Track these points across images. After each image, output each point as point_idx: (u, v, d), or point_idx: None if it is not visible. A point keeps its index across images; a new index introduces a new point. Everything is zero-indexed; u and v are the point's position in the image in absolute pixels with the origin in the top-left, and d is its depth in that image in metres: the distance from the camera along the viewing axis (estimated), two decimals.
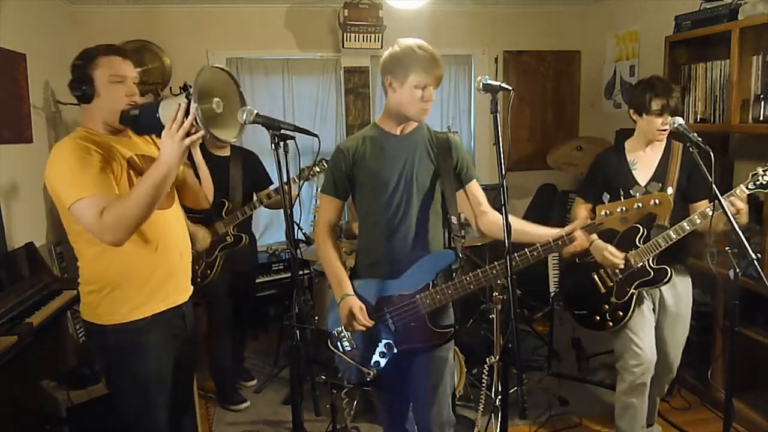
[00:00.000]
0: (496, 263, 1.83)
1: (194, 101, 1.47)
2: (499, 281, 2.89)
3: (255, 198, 3.22)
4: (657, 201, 1.76)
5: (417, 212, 1.95)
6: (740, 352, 2.71)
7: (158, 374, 1.82)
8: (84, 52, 1.73)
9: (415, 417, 2.12)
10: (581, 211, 2.64)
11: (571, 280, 2.76)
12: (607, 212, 1.79)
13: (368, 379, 2.00)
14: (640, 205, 1.76)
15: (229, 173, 3.15)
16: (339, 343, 2.03)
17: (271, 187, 3.29)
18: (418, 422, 2.10)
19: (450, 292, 1.89)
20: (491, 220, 2.02)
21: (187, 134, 1.54)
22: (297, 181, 2.85)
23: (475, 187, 2.05)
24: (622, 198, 2.45)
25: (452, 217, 1.97)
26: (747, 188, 2.18)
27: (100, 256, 1.72)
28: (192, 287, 1.98)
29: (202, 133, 1.52)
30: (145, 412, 1.83)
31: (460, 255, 1.93)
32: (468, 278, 1.88)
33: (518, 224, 1.89)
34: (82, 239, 1.72)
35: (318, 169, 3.08)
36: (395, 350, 1.95)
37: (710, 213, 2.16)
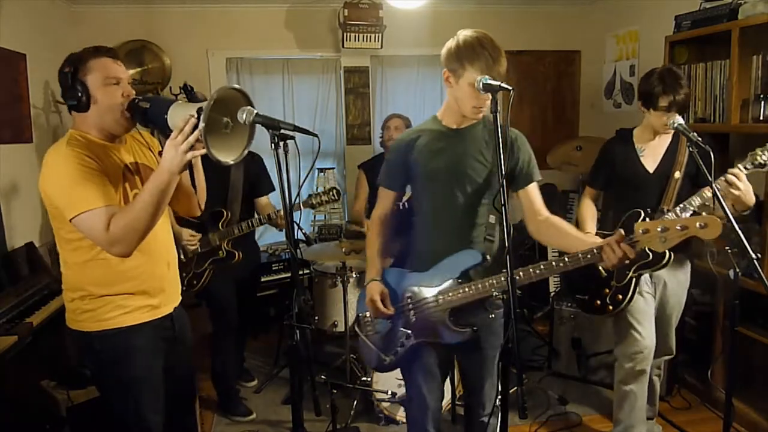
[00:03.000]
0: (520, 270, 1.78)
1: (203, 121, 1.44)
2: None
3: (256, 215, 3.08)
4: (704, 224, 1.55)
5: (463, 209, 1.94)
6: (740, 352, 2.71)
7: (147, 378, 1.81)
8: (71, 57, 1.68)
9: (465, 398, 2.20)
10: (587, 200, 2.64)
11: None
12: (644, 230, 1.64)
13: (385, 364, 2.05)
14: (684, 226, 1.56)
15: (230, 177, 3.04)
16: (365, 326, 2.10)
17: (273, 195, 3.16)
18: (467, 403, 2.18)
19: (471, 292, 1.87)
20: (545, 225, 1.94)
21: (191, 147, 1.52)
22: (302, 207, 2.81)
23: (530, 191, 1.97)
24: (630, 187, 2.48)
25: (492, 216, 1.94)
26: (745, 168, 2.18)
27: (85, 265, 1.70)
28: (180, 297, 1.96)
29: (204, 150, 1.50)
30: (135, 416, 1.81)
31: (488, 256, 1.90)
32: (491, 281, 1.84)
33: (564, 229, 1.89)
34: (70, 247, 1.70)
35: (326, 198, 2.96)
36: (413, 341, 1.98)
37: (710, 198, 2.14)
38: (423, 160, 1.96)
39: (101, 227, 1.56)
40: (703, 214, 2.24)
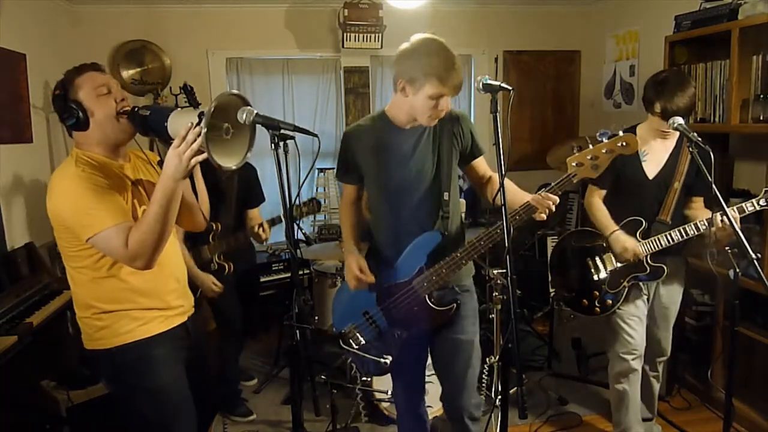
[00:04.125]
0: (482, 234, 1.88)
1: (204, 126, 1.45)
2: (499, 281, 2.90)
3: (247, 227, 3.06)
4: (624, 143, 1.74)
5: (417, 201, 1.97)
6: (740, 352, 2.71)
7: (171, 385, 1.80)
8: (58, 83, 1.69)
9: (445, 400, 2.17)
10: (597, 201, 2.62)
11: (565, 261, 2.75)
12: (578, 163, 1.79)
13: (387, 367, 2.06)
14: (610, 149, 1.75)
15: (222, 185, 2.99)
16: (351, 340, 2.09)
17: (265, 207, 3.17)
18: (448, 405, 2.15)
19: (444, 270, 1.92)
20: (489, 184, 2.09)
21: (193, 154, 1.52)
22: (282, 220, 2.83)
23: (480, 163, 2.08)
24: (627, 191, 2.49)
25: (445, 193, 1.97)
26: (759, 204, 2.17)
27: (94, 282, 1.70)
28: (193, 309, 1.95)
29: (206, 155, 1.50)
30: (165, 425, 1.79)
31: (445, 232, 1.96)
32: (459, 254, 1.91)
33: (508, 188, 1.93)
34: (77, 264, 1.69)
35: (306, 210, 3.00)
36: (405, 335, 2.01)
37: (718, 219, 2.13)
38: (372, 160, 1.97)
39: (120, 245, 1.58)
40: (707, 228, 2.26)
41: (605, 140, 1.76)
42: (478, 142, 2.07)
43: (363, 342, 2.07)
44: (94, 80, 1.68)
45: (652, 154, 2.49)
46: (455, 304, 1.99)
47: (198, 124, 1.48)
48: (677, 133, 2.46)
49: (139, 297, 1.74)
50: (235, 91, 1.58)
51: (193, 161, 1.52)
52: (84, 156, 1.69)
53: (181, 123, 1.53)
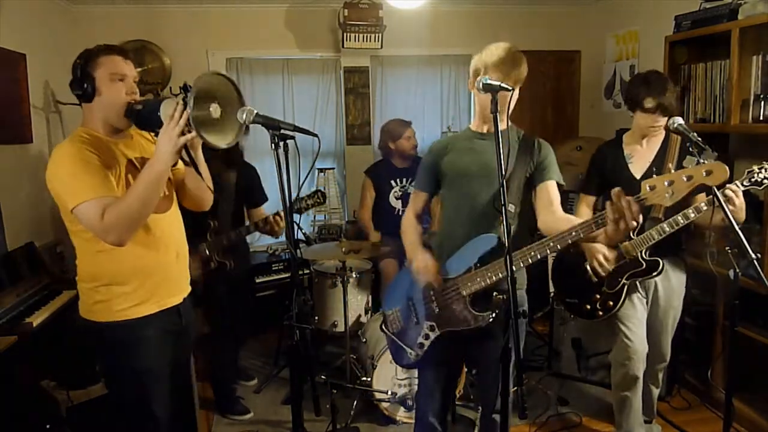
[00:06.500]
0: (534, 245, 1.81)
1: (189, 104, 1.52)
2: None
3: (247, 222, 3.07)
4: (709, 171, 1.52)
5: (486, 203, 1.99)
6: (740, 352, 2.71)
7: (155, 368, 1.84)
8: (85, 51, 1.76)
9: (481, 395, 2.24)
10: (583, 208, 2.64)
11: (564, 268, 2.76)
12: (652, 187, 1.59)
13: (411, 359, 2.08)
14: (690, 176, 1.53)
15: (220, 183, 2.90)
16: (391, 324, 2.15)
17: (265, 207, 3.16)
18: (483, 400, 2.21)
19: (491, 274, 1.89)
20: (552, 220, 1.95)
21: (183, 132, 1.58)
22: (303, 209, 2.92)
23: (548, 187, 2.00)
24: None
25: (511, 205, 1.97)
26: (742, 185, 2.17)
27: (97, 256, 1.75)
28: (189, 287, 2.00)
29: (194, 134, 1.56)
30: (142, 407, 1.84)
31: (504, 240, 1.92)
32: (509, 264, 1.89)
33: (572, 221, 1.87)
34: (82, 238, 1.75)
35: (311, 202, 3.01)
36: (438, 332, 2.01)
37: (705, 208, 2.16)
38: (453, 159, 2.06)
39: (96, 216, 1.62)
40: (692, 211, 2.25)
41: (690, 167, 1.57)
42: (550, 168, 2.02)
43: (400, 328, 2.12)
44: (115, 65, 1.74)
45: (637, 156, 2.51)
46: (493, 313, 1.94)
47: (184, 103, 1.54)
48: (663, 133, 2.47)
49: (140, 270, 1.79)
50: (219, 72, 1.65)
51: (182, 139, 1.58)
52: (83, 134, 1.75)
53: (171, 108, 1.59)
